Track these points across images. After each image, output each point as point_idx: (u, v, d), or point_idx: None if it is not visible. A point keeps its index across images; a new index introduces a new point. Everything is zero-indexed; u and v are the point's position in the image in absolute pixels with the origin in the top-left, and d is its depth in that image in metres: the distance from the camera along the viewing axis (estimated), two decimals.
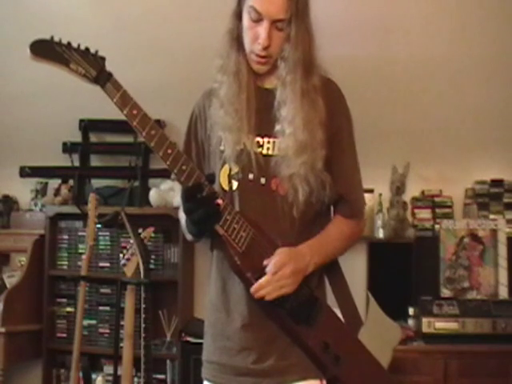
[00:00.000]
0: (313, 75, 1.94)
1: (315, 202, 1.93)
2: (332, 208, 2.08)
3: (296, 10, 1.88)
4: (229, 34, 1.97)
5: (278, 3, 1.86)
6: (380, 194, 4.51)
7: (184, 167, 1.79)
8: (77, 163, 4.61)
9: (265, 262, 1.84)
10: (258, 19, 1.87)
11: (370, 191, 4.39)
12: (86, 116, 4.60)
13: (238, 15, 1.95)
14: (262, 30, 1.87)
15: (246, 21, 1.91)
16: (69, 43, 1.71)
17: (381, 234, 4.45)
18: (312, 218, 1.97)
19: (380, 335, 2.04)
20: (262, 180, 1.92)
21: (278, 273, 1.82)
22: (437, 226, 4.35)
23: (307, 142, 1.88)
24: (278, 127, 1.91)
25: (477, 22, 3.98)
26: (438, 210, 4.51)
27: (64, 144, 4.63)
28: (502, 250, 4.19)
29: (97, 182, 4.66)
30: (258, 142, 1.94)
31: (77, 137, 4.62)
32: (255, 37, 1.89)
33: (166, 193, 4.50)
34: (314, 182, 1.90)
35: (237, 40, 1.96)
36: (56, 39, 1.70)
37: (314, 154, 1.89)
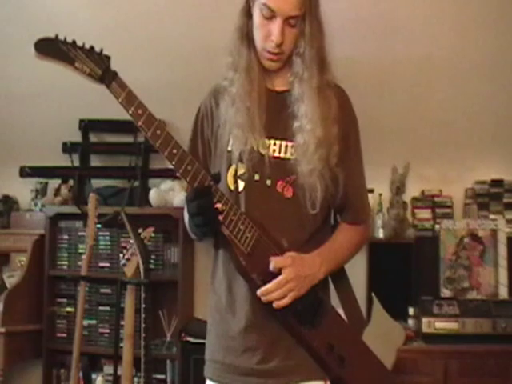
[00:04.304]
0: (326, 72, 1.95)
1: (330, 198, 1.95)
2: (338, 216, 2.11)
3: (309, 6, 1.88)
4: (238, 32, 1.97)
5: (292, 0, 1.85)
6: (380, 194, 4.51)
7: (189, 167, 1.79)
8: (77, 163, 4.61)
9: (270, 258, 1.84)
10: (270, 16, 1.87)
11: (370, 191, 4.38)
12: (85, 116, 4.60)
13: (247, 12, 1.95)
14: (275, 27, 1.87)
15: (257, 18, 1.90)
16: (74, 42, 1.70)
17: (381, 233, 4.46)
18: (321, 219, 1.99)
19: (384, 336, 2.05)
20: (268, 182, 1.93)
21: (282, 276, 1.82)
22: (437, 226, 4.35)
23: (324, 138, 1.90)
24: (296, 124, 1.92)
25: (477, 22, 3.99)
26: (438, 210, 4.51)
27: (64, 144, 4.63)
28: (502, 249, 4.20)
29: (97, 182, 4.65)
30: (264, 143, 1.93)
31: (77, 137, 4.62)
32: (268, 34, 1.89)
33: (166, 193, 4.50)
34: (329, 177, 1.91)
35: (246, 37, 1.96)
36: (61, 38, 1.70)
37: (329, 149, 1.91)
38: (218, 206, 1.81)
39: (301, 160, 1.90)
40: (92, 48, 1.72)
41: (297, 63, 1.94)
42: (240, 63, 1.96)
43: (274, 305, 1.83)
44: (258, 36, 1.93)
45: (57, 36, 1.69)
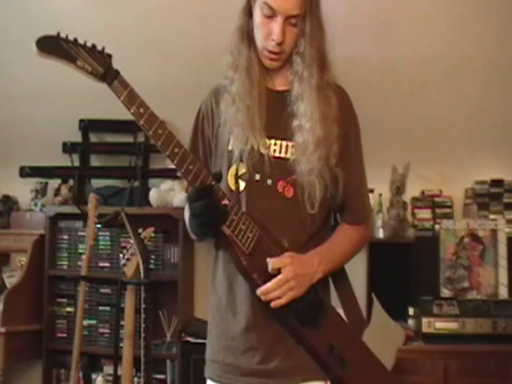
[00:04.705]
0: (326, 72, 1.95)
1: (329, 198, 1.95)
2: (338, 216, 2.10)
3: (310, 5, 1.89)
4: (239, 31, 1.97)
5: None
6: (380, 194, 4.52)
7: (191, 167, 1.79)
8: (77, 163, 4.61)
9: (267, 260, 1.83)
10: (271, 15, 1.87)
11: (370, 191, 4.37)
12: (86, 116, 4.60)
13: (248, 11, 1.95)
14: (276, 26, 1.87)
15: (258, 17, 1.91)
16: (75, 39, 1.70)
17: (381, 234, 4.46)
18: (323, 218, 1.99)
19: (384, 337, 2.05)
20: (269, 181, 1.92)
21: (282, 275, 1.82)
22: (437, 226, 4.35)
23: (324, 137, 1.89)
24: (295, 122, 1.92)
25: (476, 22, 3.99)
26: (438, 210, 4.52)
27: (64, 144, 4.63)
28: (502, 249, 4.20)
29: (97, 182, 4.66)
30: (264, 143, 1.93)
31: (77, 137, 4.62)
32: (268, 33, 1.89)
33: (166, 193, 4.50)
34: (328, 177, 1.91)
35: (247, 36, 1.96)
36: (62, 36, 1.69)
37: (329, 149, 1.90)
38: (226, 202, 1.80)
39: (300, 159, 1.89)
40: (94, 46, 1.71)
41: (297, 62, 1.93)
42: (240, 62, 1.95)
43: (272, 304, 1.83)
44: (258, 35, 1.93)
45: (58, 34, 1.69)
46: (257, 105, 1.93)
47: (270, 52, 1.92)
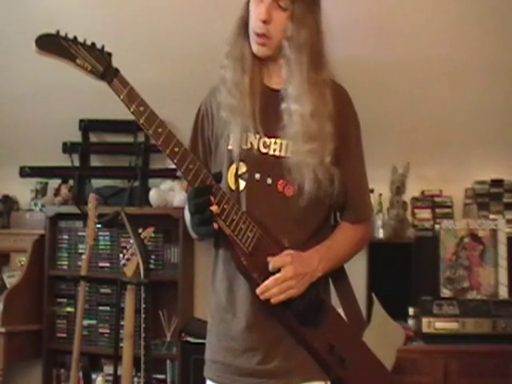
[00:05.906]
0: (322, 69, 1.93)
1: (323, 197, 1.93)
2: (338, 215, 2.10)
3: None
4: (238, 21, 1.97)
5: None
6: (380, 194, 4.51)
7: (191, 166, 1.78)
8: (77, 163, 4.61)
9: (268, 259, 1.83)
10: None
11: (370, 191, 4.35)
12: (86, 116, 4.60)
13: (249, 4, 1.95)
14: (262, 5, 1.87)
15: (252, 4, 1.91)
16: (75, 38, 1.69)
17: (381, 234, 4.45)
18: (322, 218, 1.98)
19: (384, 337, 2.05)
20: (269, 180, 1.92)
21: (281, 274, 1.82)
22: (437, 226, 4.35)
23: (316, 133, 1.87)
24: (283, 105, 1.90)
25: (477, 22, 3.99)
26: (438, 210, 4.52)
27: (64, 144, 4.62)
28: (502, 249, 4.19)
29: (97, 182, 4.66)
30: (264, 142, 1.93)
31: (77, 137, 4.62)
32: (257, 15, 1.89)
33: (166, 193, 4.50)
34: (323, 176, 1.89)
35: (244, 28, 1.96)
36: (62, 34, 1.69)
37: (322, 146, 1.88)
38: (214, 208, 1.79)
39: (291, 162, 1.88)
40: (93, 44, 1.71)
41: (285, 47, 1.91)
42: (235, 51, 1.96)
43: (272, 300, 1.82)
44: (250, 21, 1.93)
45: (58, 32, 1.68)
46: (248, 89, 1.92)
47: (257, 35, 1.91)
